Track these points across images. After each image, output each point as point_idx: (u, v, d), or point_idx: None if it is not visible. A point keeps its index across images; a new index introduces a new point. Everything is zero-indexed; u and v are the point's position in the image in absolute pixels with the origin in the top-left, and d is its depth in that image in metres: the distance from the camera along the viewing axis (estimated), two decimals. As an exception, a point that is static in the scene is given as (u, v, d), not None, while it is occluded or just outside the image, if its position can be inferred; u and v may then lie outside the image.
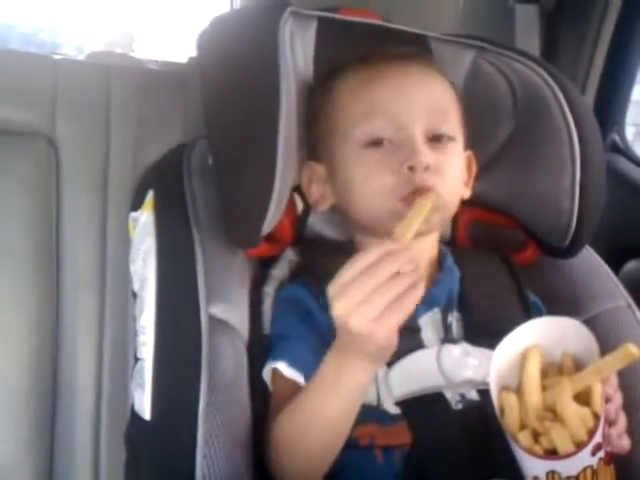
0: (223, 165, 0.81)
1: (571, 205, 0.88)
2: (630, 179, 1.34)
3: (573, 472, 0.63)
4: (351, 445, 0.76)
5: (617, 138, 1.40)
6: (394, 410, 0.77)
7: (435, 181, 0.78)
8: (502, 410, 0.67)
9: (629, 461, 0.77)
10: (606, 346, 0.71)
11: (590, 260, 0.98)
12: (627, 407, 0.74)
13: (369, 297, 0.60)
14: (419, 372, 0.79)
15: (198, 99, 0.86)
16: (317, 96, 0.86)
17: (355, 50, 0.86)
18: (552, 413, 0.65)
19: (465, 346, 0.81)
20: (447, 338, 0.83)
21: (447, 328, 0.83)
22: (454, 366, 0.79)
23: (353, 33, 0.92)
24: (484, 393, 0.77)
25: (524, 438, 0.65)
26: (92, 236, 1.06)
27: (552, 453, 0.64)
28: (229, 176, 0.80)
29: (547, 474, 0.64)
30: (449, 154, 0.81)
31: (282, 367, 0.76)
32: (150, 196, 0.83)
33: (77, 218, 1.06)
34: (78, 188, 1.06)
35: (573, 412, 0.64)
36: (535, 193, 0.90)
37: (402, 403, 0.77)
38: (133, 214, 0.85)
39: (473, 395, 0.79)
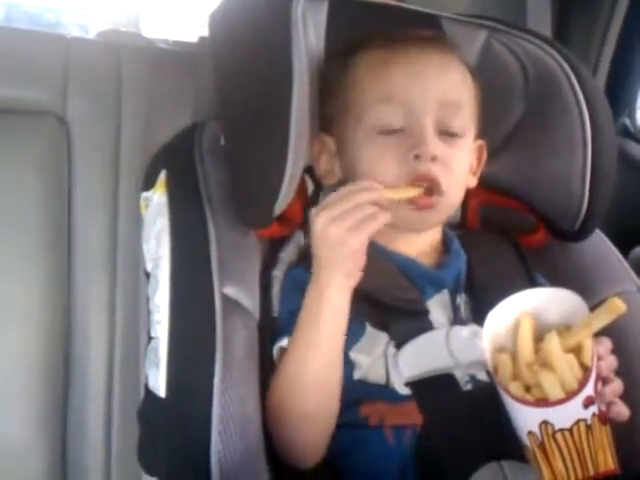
0: (235, 145, 0.81)
1: (582, 187, 0.88)
2: (640, 163, 1.34)
3: (566, 424, 0.63)
4: (361, 424, 0.77)
5: (628, 122, 1.39)
6: (403, 390, 0.78)
7: (440, 172, 0.78)
8: (496, 369, 0.68)
9: (632, 435, 0.79)
10: (615, 330, 0.71)
11: (600, 244, 0.98)
12: (629, 382, 0.74)
13: (348, 212, 0.70)
14: (428, 353, 0.79)
15: (209, 79, 0.86)
16: (334, 70, 0.85)
17: (367, 29, 0.86)
18: (543, 366, 0.65)
19: (474, 327, 0.81)
20: (456, 320, 0.83)
21: (456, 310, 0.84)
22: (463, 347, 0.79)
23: (365, 12, 0.91)
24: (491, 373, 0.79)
25: (516, 388, 0.65)
26: (103, 215, 1.06)
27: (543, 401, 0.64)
28: (241, 156, 0.80)
29: (540, 425, 0.64)
30: (458, 147, 0.82)
31: (286, 343, 0.77)
32: (162, 176, 0.84)
33: (88, 197, 1.06)
34: (89, 167, 1.06)
35: (561, 358, 0.65)
36: (546, 175, 0.90)
37: (411, 384, 0.78)
38: (145, 194, 0.85)
39: (483, 376, 0.79)
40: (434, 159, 0.78)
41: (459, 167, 0.82)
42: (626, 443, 0.70)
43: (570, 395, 0.63)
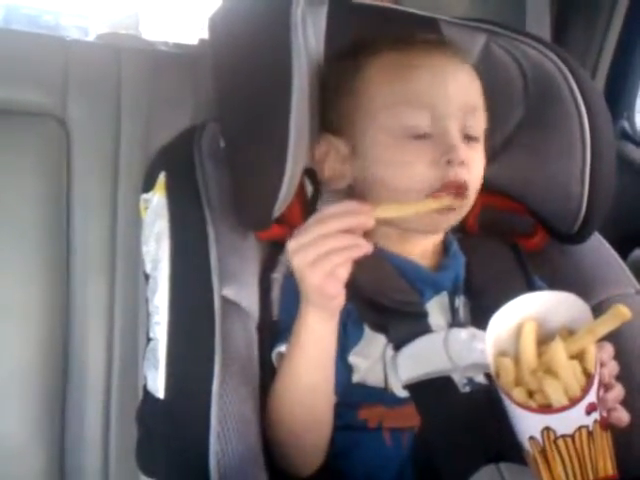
0: (235, 146, 0.81)
1: (581, 190, 0.88)
2: (639, 166, 1.34)
3: (568, 430, 0.63)
4: (359, 427, 0.77)
5: (626, 125, 1.39)
6: (402, 393, 0.78)
7: (466, 176, 0.79)
8: (498, 373, 0.67)
9: (630, 439, 0.78)
10: (614, 333, 0.71)
11: (599, 247, 0.98)
12: (626, 384, 0.74)
13: (310, 244, 0.65)
14: (426, 356, 0.79)
15: (209, 81, 0.86)
16: (343, 73, 0.84)
17: (366, 32, 0.86)
18: (547, 372, 0.65)
19: (472, 330, 0.81)
20: (454, 322, 0.83)
21: (454, 312, 0.84)
22: (461, 350, 0.80)
23: (364, 15, 0.92)
24: (492, 377, 0.79)
25: (519, 394, 0.65)
26: (103, 217, 1.06)
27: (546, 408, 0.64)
28: (241, 158, 0.80)
29: (542, 432, 0.63)
30: (477, 150, 0.82)
31: (284, 349, 0.76)
32: (162, 178, 0.83)
33: (87, 199, 1.06)
34: (89, 169, 1.06)
35: (566, 365, 0.64)
36: (545, 178, 0.90)
37: (410, 386, 0.78)
38: (144, 196, 0.85)
39: (481, 379, 0.79)
40: (462, 164, 0.78)
41: (479, 170, 0.83)
42: (624, 447, 0.70)
43: (573, 402, 0.63)
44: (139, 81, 1.09)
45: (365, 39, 0.85)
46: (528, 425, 0.65)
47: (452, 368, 0.79)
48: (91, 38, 1.34)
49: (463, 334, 0.81)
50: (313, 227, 0.66)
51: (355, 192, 0.85)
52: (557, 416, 0.63)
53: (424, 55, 0.81)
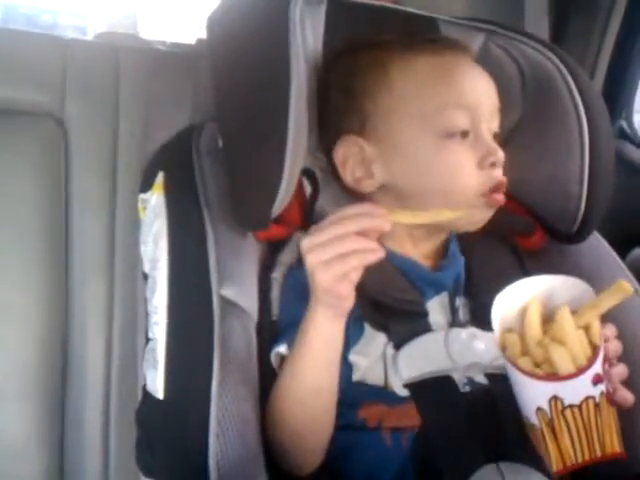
0: (233, 146, 0.81)
1: (579, 189, 0.88)
2: (637, 166, 1.34)
3: (575, 400, 0.63)
4: (359, 426, 0.77)
5: (624, 124, 1.39)
6: (402, 392, 0.78)
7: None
8: (504, 347, 0.67)
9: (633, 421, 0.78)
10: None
11: (597, 246, 0.98)
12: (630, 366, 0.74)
13: (324, 245, 0.66)
14: (427, 355, 0.79)
15: (207, 81, 0.86)
16: (365, 72, 0.83)
17: (366, 31, 0.87)
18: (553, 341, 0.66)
19: (472, 330, 0.82)
20: (454, 322, 0.84)
21: (454, 312, 0.84)
22: (461, 349, 0.80)
23: (363, 15, 0.92)
24: (491, 377, 0.79)
25: (525, 363, 0.65)
26: (101, 217, 1.06)
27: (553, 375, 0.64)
28: (239, 157, 0.80)
29: (550, 401, 0.63)
30: None
31: (286, 351, 0.76)
32: (160, 178, 0.83)
33: (86, 199, 1.06)
34: (87, 169, 1.06)
35: (572, 331, 0.65)
36: (543, 177, 0.91)
37: (410, 385, 0.78)
38: (143, 195, 0.85)
39: (481, 379, 0.79)
40: (500, 164, 0.81)
41: None
42: (628, 438, 0.70)
43: (580, 370, 0.63)
44: (137, 80, 1.08)
45: (377, 38, 0.85)
46: (535, 395, 0.65)
47: (452, 367, 0.79)
48: (89, 37, 1.34)
49: (463, 334, 0.81)
50: (329, 227, 0.67)
51: (387, 193, 0.84)
52: (564, 384, 0.63)
53: (455, 57, 0.82)
